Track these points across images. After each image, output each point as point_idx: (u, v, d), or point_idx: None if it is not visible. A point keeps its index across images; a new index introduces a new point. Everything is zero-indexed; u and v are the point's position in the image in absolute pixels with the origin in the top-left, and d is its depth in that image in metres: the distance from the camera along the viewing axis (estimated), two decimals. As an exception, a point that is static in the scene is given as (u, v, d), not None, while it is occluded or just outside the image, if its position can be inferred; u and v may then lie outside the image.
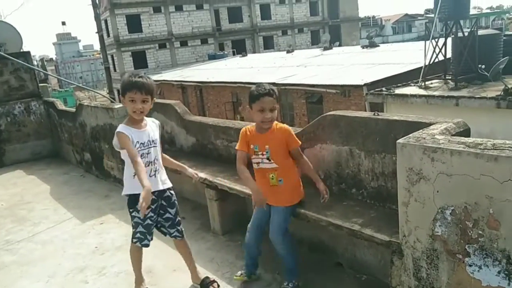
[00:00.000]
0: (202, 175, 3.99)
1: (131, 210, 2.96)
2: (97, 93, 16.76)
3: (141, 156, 2.76)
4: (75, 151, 7.20)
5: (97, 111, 5.92)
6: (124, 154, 2.83)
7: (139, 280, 3.15)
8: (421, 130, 2.27)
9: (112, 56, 36.99)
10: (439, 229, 2.08)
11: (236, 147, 2.96)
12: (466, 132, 2.33)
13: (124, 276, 3.45)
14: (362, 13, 49.74)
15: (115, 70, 37.16)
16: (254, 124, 2.95)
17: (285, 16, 40.90)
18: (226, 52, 37.25)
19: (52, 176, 6.86)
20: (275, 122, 2.90)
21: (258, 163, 2.89)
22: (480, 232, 1.92)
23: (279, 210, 2.90)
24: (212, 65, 31.11)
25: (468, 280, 2.02)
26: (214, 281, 3.11)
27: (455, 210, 2.00)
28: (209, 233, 4.01)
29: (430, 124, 2.41)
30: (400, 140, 2.18)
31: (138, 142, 2.81)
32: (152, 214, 2.95)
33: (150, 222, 2.96)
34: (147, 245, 3.01)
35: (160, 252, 3.71)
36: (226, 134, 4.12)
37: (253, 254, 3.08)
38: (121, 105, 5.51)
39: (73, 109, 7.18)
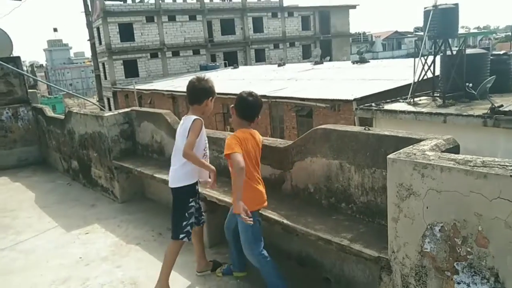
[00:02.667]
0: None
1: (191, 199, 3.10)
2: (87, 100, 16.66)
3: (204, 148, 3.16)
4: (63, 158, 7.11)
5: (86, 118, 5.87)
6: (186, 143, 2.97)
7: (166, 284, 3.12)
8: (411, 146, 2.28)
9: (103, 64, 36.83)
10: (428, 245, 2.08)
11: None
12: (455, 149, 2.35)
13: (108, 288, 3.38)
14: (353, 29, 50.29)
15: (105, 78, 36.99)
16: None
17: (277, 29, 41.26)
18: (218, 64, 37.35)
19: (38, 183, 6.76)
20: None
21: None
22: (469, 249, 1.92)
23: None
24: (204, 76, 31.08)
25: (456, 298, 2.01)
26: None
27: (444, 227, 2.00)
28: (196, 245, 3.95)
29: (420, 140, 2.42)
30: (391, 156, 2.18)
31: (205, 135, 3.21)
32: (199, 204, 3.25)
33: (198, 214, 3.24)
34: (191, 240, 3.18)
35: (144, 264, 3.66)
36: (217, 145, 4.10)
37: (232, 249, 3.25)
38: (110, 113, 5.47)
39: (62, 116, 7.11)
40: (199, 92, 3.10)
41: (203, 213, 3.35)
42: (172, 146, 3.46)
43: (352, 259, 2.96)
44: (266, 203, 3.01)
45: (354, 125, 14.41)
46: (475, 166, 1.86)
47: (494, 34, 73.87)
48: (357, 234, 2.68)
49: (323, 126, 3.07)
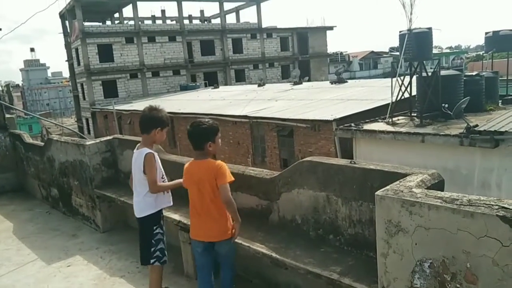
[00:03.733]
0: (176, 216, 3.92)
1: (155, 227, 3.25)
2: (59, 125, 16.30)
3: (162, 176, 3.32)
4: (41, 185, 6.94)
5: (67, 146, 5.77)
6: (143, 177, 3.19)
7: None
8: (398, 182, 2.33)
9: (82, 85, 36.49)
10: (418, 281, 2.11)
11: (230, 180, 2.97)
12: (440, 184, 2.40)
13: (93, 326, 3.28)
14: (330, 49, 51.27)
15: (84, 98, 36.59)
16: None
17: (256, 50, 41.74)
18: (198, 84, 37.42)
19: (15, 212, 6.57)
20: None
21: None
22: (458, 285, 1.96)
23: None
24: (184, 96, 31.11)
25: (447, 334, 2.03)
26: None
27: (433, 263, 2.03)
28: (182, 277, 3.91)
29: (405, 175, 2.47)
30: (379, 192, 2.22)
31: (159, 163, 3.31)
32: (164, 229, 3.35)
33: (164, 238, 3.32)
34: (166, 262, 3.30)
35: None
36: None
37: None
38: (92, 141, 5.41)
39: (41, 143, 6.98)
40: (148, 122, 3.22)
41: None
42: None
43: (341, 291, 2.96)
44: None
45: (335, 144, 14.59)
46: (462, 204, 1.90)
47: (465, 54, 76.48)
48: (346, 267, 2.70)
49: (309, 159, 3.10)
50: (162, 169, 3.36)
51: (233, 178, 3.00)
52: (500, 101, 14.75)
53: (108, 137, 5.58)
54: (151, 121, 3.21)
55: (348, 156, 12.87)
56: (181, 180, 3.25)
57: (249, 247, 3.13)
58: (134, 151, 3.29)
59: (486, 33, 16.68)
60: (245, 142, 18.95)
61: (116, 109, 27.49)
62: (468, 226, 1.86)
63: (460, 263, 1.93)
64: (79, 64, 35.52)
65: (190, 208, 3.12)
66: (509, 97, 15.24)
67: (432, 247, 2.02)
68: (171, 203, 3.45)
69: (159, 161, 3.31)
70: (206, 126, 3.00)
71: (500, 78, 15.70)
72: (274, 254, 2.96)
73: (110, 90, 35.02)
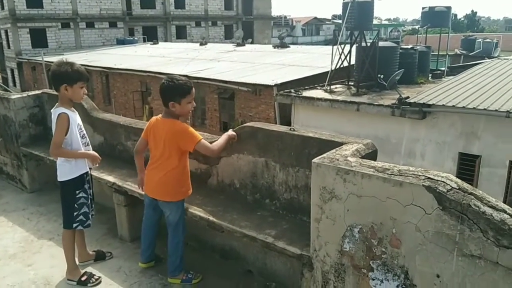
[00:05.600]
0: (110, 178, 3.80)
1: (78, 191, 3.11)
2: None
3: (82, 136, 3.14)
4: (-41, 141, 6.37)
5: (-12, 99, 5.30)
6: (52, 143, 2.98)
7: (77, 270, 3.19)
8: (334, 150, 2.40)
9: (6, 31, 33.39)
10: (348, 245, 2.22)
11: (199, 138, 2.90)
12: (374, 153, 2.51)
13: (18, 290, 3.15)
14: (274, 12, 50.95)
15: (8, 47, 33.66)
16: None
17: (199, 7, 40.36)
18: (136, 38, 35.71)
19: None
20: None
21: None
22: (384, 249, 2.09)
23: None
24: (121, 51, 29.64)
25: (370, 293, 2.19)
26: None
27: (362, 229, 2.14)
28: (116, 240, 3.83)
29: (342, 144, 2.55)
30: (316, 160, 2.27)
31: (79, 124, 3.12)
32: (90, 192, 3.23)
33: (90, 202, 3.20)
34: (89, 226, 3.22)
35: (59, 260, 3.44)
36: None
37: (146, 243, 3.32)
38: (18, 95, 5.01)
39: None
40: (54, 78, 3.01)
41: (93, 207, 3.28)
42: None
43: (275, 253, 3.06)
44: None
45: (275, 110, 14.75)
46: (392, 174, 2.01)
47: (402, 27, 79.47)
48: (281, 231, 2.78)
49: (250, 124, 3.10)
50: (83, 129, 3.19)
51: (200, 136, 2.91)
52: (430, 75, 15.60)
53: (37, 92, 5.19)
54: (59, 77, 2.97)
55: (287, 122, 13.11)
56: (93, 153, 3.14)
57: (187, 210, 3.12)
58: (52, 110, 3.08)
59: (423, 8, 17.35)
60: (184, 102, 18.60)
61: (45, 61, 25.61)
62: (396, 194, 1.98)
63: (387, 229, 2.06)
64: (3, 8, 32.32)
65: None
66: (439, 72, 16.17)
67: (363, 213, 2.12)
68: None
69: (78, 121, 3.13)
70: (174, 84, 2.85)
71: (432, 53, 16.54)
72: (211, 218, 2.98)
73: (39, 40, 32.39)
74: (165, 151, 2.91)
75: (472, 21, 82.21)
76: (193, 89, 2.93)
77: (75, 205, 3.11)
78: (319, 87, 14.07)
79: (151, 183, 3.05)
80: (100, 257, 3.47)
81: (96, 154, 3.17)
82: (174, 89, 2.85)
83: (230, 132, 3.11)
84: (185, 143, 2.87)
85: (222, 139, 3.01)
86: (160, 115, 3.02)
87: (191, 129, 2.91)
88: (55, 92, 5.19)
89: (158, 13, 38.38)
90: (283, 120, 14.09)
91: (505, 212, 1.79)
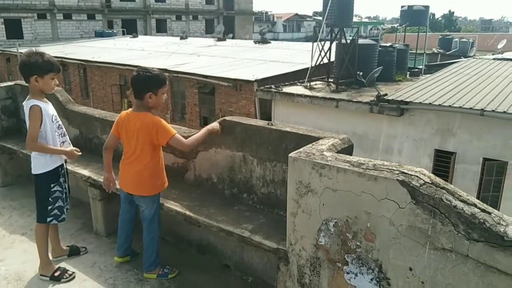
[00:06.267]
0: (86, 172, 3.74)
1: (52, 185, 3.05)
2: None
3: (58, 127, 3.06)
4: None
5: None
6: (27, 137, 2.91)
7: (50, 265, 3.13)
8: (310, 145, 2.40)
9: (-21, 21, 32.35)
10: (323, 239, 2.24)
11: (173, 133, 2.84)
12: (350, 148, 2.53)
13: (-12, 286, 3.06)
14: (256, 8, 50.83)
15: (-19, 37, 32.58)
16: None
17: (180, 1, 39.87)
18: (115, 31, 35.07)
19: None
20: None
21: None
22: (358, 243, 2.11)
23: None
24: (99, 44, 29.06)
25: (345, 286, 2.21)
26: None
27: (337, 223, 2.16)
28: (91, 235, 3.76)
29: (318, 138, 2.56)
30: (292, 154, 2.28)
31: (53, 115, 3.04)
32: (65, 185, 3.17)
33: (65, 195, 3.14)
34: (64, 220, 3.16)
35: (31, 256, 3.36)
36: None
37: (123, 236, 3.28)
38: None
39: None
40: (24, 69, 2.92)
41: (68, 201, 3.21)
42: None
43: (252, 248, 3.06)
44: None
45: (255, 105, 14.74)
46: (367, 168, 2.02)
47: (382, 25, 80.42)
48: (258, 225, 2.78)
49: (228, 118, 3.08)
50: (59, 120, 3.11)
51: (174, 130, 2.86)
52: (408, 72, 15.84)
53: (9, 83, 5.05)
54: (28, 68, 2.88)
55: (267, 117, 13.12)
56: (67, 149, 3.07)
57: (163, 205, 3.09)
58: (23, 102, 3.00)
59: (402, 6, 17.58)
60: (164, 97, 18.39)
61: (20, 52, 24.92)
62: (371, 188, 2.00)
63: (361, 223, 2.08)
64: (-25, -3, 31.31)
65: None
66: (416, 70, 16.44)
67: (338, 207, 2.14)
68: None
69: (53, 112, 3.05)
70: (151, 74, 2.80)
71: (410, 51, 16.79)
72: (187, 212, 2.96)
73: (14, 30, 31.46)
74: (138, 145, 2.86)
75: (450, 20, 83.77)
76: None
77: (50, 199, 3.05)
78: (299, 83, 14.12)
79: (125, 178, 3.01)
80: (74, 252, 3.40)
81: (74, 149, 3.10)
82: (151, 79, 2.80)
83: (214, 125, 3.05)
84: (158, 136, 2.82)
85: (200, 133, 2.97)
86: (130, 109, 2.96)
87: (165, 122, 2.86)
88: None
89: (138, 6, 37.79)
90: (263, 115, 14.09)
91: (476, 206, 1.82)
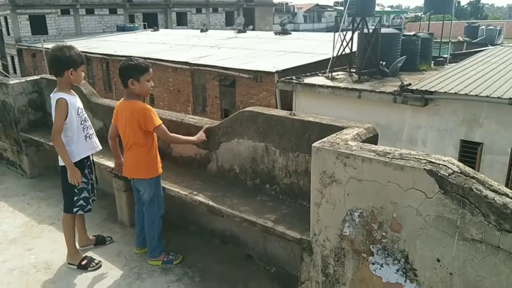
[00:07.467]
0: (110, 163, 3.78)
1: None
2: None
3: (84, 120, 3.13)
4: (-41, 127, 6.35)
5: (-13, 85, 5.26)
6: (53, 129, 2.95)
7: (77, 254, 3.22)
8: (334, 135, 2.37)
9: (6, 18, 33.12)
10: (347, 229, 2.21)
11: (159, 123, 2.97)
12: (375, 138, 2.48)
13: (18, 274, 3.15)
14: (276, -1, 50.42)
15: (8, 33, 33.39)
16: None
17: (200, -7, 39.95)
18: (136, 25, 35.38)
19: None
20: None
21: None
22: (384, 234, 2.08)
23: None
24: (121, 38, 29.41)
25: (370, 277, 2.18)
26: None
27: (362, 213, 2.13)
28: (116, 225, 3.83)
29: (342, 128, 2.52)
30: (316, 144, 2.25)
31: (79, 107, 3.10)
32: (91, 177, 3.26)
33: (90, 187, 3.21)
34: (90, 210, 3.24)
35: (59, 245, 3.44)
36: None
37: (138, 229, 3.37)
38: (17, 80, 4.98)
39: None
40: (57, 63, 2.99)
41: (94, 192, 3.29)
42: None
43: (274, 238, 3.06)
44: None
45: (275, 97, 14.68)
46: (393, 158, 1.98)
47: (405, 14, 78.76)
48: (281, 215, 2.77)
49: (250, 109, 3.07)
50: (85, 113, 3.18)
51: (160, 121, 2.97)
52: (433, 62, 15.47)
53: (35, 77, 5.16)
54: (61, 61, 2.95)
55: (288, 109, 13.04)
56: (75, 171, 3.04)
57: (186, 196, 3.11)
58: (50, 95, 3.05)
59: (426, -6, 17.12)
60: (185, 90, 18.51)
61: (45, 47, 25.45)
62: (397, 178, 1.95)
63: (387, 213, 2.04)
64: (1, -6, 32.06)
65: None
66: (441, 59, 16.04)
67: (363, 197, 2.10)
68: (99, 147, 3.28)
69: (79, 105, 3.11)
70: (131, 63, 2.93)
71: (435, 40, 16.38)
72: (211, 202, 2.97)
73: (39, 26, 32.12)
74: (130, 132, 2.97)
75: (476, 8, 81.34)
76: (151, 68, 2.99)
77: (75, 190, 3.11)
78: (320, 74, 13.97)
79: (126, 165, 3.16)
80: (100, 241, 3.47)
81: (78, 174, 3.01)
82: (131, 67, 2.92)
83: (199, 135, 3.23)
84: (145, 121, 2.92)
85: (186, 138, 3.22)
86: (122, 99, 3.07)
87: (152, 109, 2.98)
88: (53, 77, 5.17)
89: (159, 0, 38.00)
90: (284, 107, 14.00)
91: (508, 196, 1.76)
